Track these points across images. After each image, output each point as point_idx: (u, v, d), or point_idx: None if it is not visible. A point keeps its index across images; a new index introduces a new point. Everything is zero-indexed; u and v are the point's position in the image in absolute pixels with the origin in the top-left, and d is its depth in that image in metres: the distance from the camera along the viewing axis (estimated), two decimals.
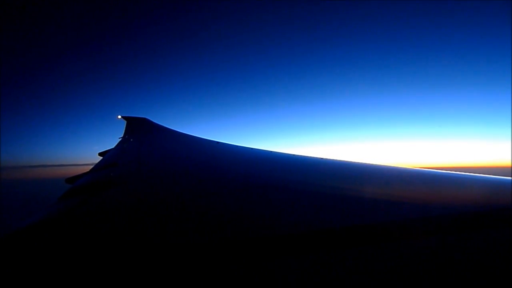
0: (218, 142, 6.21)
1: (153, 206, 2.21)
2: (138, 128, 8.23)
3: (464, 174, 3.11)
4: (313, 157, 4.57)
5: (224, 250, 1.42)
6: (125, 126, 8.65)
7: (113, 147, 6.74)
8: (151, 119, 9.17)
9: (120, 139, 7.49)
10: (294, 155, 4.86)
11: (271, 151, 5.06)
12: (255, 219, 1.83)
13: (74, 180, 3.82)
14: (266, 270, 1.21)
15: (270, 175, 3.50)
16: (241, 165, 4.24)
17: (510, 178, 2.64)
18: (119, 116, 9.19)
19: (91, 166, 4.67)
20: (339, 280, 1.13)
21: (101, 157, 5.74)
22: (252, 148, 5.47)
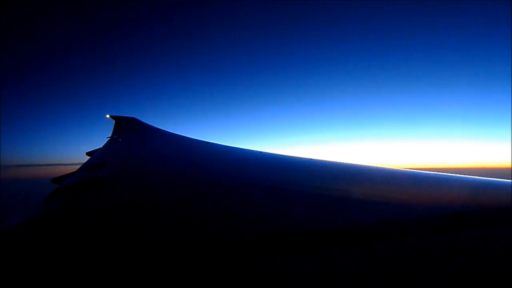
0: (207, 142, 6.21)
1: (140, 205, 2.22)
2: (126, 128, 8.14)
3: (459, 176, 3.16)
4: (303, 158, 4.61)
5: (213, 249, 1.44)
6: (113, 125, 8.55)
7: (101, 146, 6.67)
8: (140, 119, 9.09)
9: (109, 138, 7.41)
10: (283, 155, 4.90)
11: (260, 152, 5.09)
12: (244, 219, 1.86)
13: (60, 180, 3.78)
14: (257, 270, 1.23)
15: (259, 175, 3.53)
16: (230, 166, 4.25)
17: (506, 180, 2.71)
18: (108, 116, 9.07)
19: (79, 166, 4.63)
20: (332, 279, 1.14)
21: (89, 157, 5.68)
22: (241, 149, 5.49)
